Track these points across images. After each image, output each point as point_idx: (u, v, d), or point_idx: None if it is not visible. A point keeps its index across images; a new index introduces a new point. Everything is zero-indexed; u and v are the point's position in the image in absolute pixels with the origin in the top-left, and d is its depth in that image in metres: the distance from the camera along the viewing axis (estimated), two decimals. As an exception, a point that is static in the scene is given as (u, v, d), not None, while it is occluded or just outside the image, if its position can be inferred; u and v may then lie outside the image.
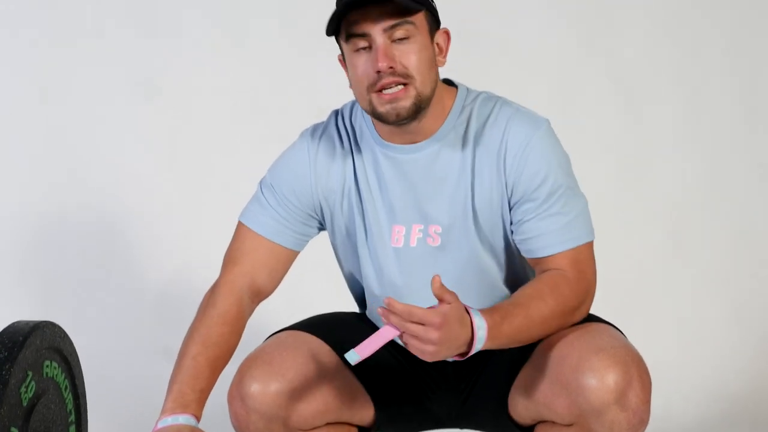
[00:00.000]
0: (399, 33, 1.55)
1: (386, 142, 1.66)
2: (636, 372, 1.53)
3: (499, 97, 1.69)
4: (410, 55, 1.56)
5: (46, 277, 2.95)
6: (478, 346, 1.49)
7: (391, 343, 1.76)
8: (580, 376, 1.52)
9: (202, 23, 3.09)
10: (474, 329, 1.47)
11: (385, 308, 1.44)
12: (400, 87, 1.56)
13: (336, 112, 1.75)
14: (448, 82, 1.71)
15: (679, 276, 3.21)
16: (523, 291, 1.59)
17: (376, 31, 1.55)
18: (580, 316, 1.63)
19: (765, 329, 3.13)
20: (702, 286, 3.20)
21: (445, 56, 1.64)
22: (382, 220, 1.67)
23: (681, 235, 3.26)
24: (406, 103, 1.57)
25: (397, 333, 1.46)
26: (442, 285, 1.46)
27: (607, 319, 1.73)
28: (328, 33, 1.60)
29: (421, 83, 1.57)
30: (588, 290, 1.63)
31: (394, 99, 1.57)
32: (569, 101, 3.23)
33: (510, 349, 1.63)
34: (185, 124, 3.07)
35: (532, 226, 1.62)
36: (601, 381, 1.50)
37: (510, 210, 1.64)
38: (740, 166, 3.32)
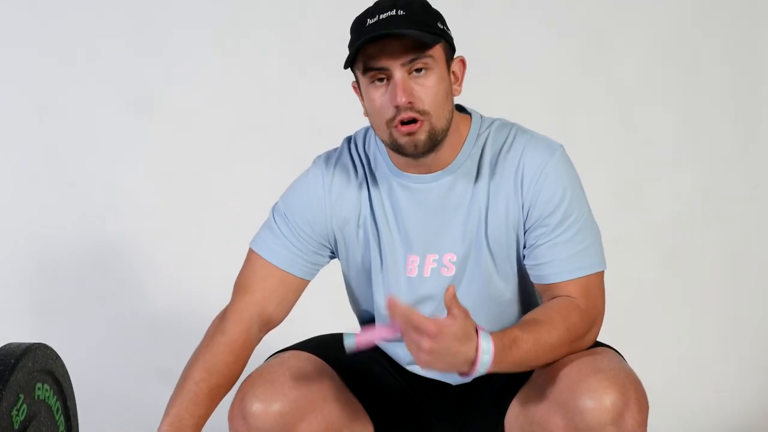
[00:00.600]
0: (417, 66, 1.56)
1: (402, 172, 1.66)
2: (633, 394, 1.52)
3: (513, 124, 1.69)
4: (428, 89, 1.57)
5: (40, 297, 2.93)
6: (481, 370, 1.48)
7: (393, 364, 1.76)
8: (577, 397, 1.52)
9: (199, 41, 3.08)
10: (479, 351, 1.47)
11: (392, 303, 1.44)
12: (417, 122, 1.57)
13: (349, 140, 1.75)
14: (460, 108, 1.71)
15: (675, 296, 3.21)
16: (534, 315, 1.59)
17: (395, 66, 1.56)
18: (586, 344, 1.62)
19: (762, 349, 3.12)
20: (699, 306, 3.20)
21: (460, 84, 1.64)
22: (398, 250, 1.68)
23: (677, 255, 3.26)
24: (422, 136, 1.58)
25: (398, 333, 1.46)
26: (454, 297, 1.45)
27: (604, 341, 1.72)
28: (346, 66, 1.60)
29: (436, 118, 1.58)
30: (596, 319, 1.63)
31: (411, 132, 1.57)
32: (567, 121, 3.23)
33: (510, 375, 1.63)
34: (182, 143, 3.06)
35: (544, 252, 1.62)
36: (598, 402, 1.50)
37: (524, 234, 1.65)
38: (736, 185, 3.32)
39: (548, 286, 1.63)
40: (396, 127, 1.57)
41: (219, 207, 3.01)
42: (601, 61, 3.27)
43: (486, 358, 1.47)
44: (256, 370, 1.68)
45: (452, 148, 1.64)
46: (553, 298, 1.62)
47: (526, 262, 1.65)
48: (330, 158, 1.72)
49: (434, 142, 1.59)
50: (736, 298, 3.22)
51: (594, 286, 1.63)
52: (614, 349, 1.69)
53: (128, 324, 2.91)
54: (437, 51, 1.57)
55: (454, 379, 1.72)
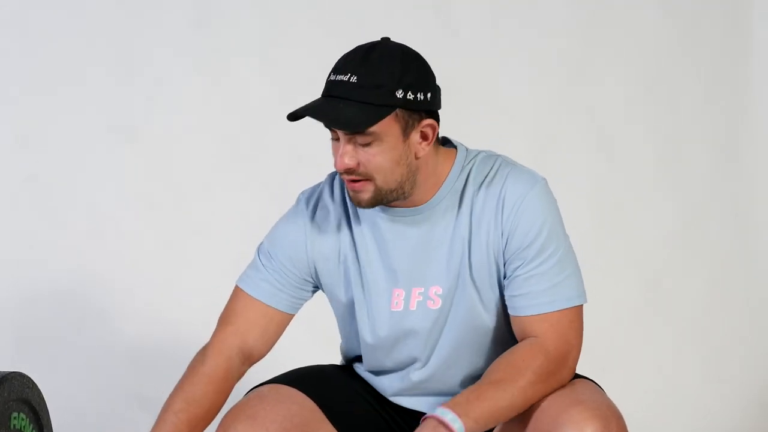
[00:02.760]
0: (361, 140, 1.57)
1: (386, 207, 1.66)
2: (615, 426, 1.53)
3: (499, 156, 1.69)
4: (371, 158, 1.57)
5: (17, 324, 2.90)
6: None
7: (376, 396, 1.75)
8: (559, 428, 1.52)
9: (181, 68, 3.08)
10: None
11: None
12: (360, 181, 1.58)
13: (332, 176, 1.75)
14: (446, 141, 1.71)
15: (655, 326, 3.22)
16: (495, 376, 1.58)
17: (340, 134, 1.58)
18: (560, 380, 1.61)
19: (743, 378, 3.13)
20: (679, 336, 3.21)
21: (430, 143, 1.61)
22: (382, 285, 1.67)
23: (659, 282, 3.27)
24: (365, 195, 1.59)
25: None
26: None
27: (585, 370, 1.72)
28: (292, 119, 1.62)
29: (383, 181, 1.58)
30: (567, 355, 1.61)
31: (354, 190, 1.60)
32: (547, 150, 3.25)
33: None
34: (164, 170, 3.05)
35: (520, 284, 1.62)
36: None
37: (504, 264, 1.64)
38: (717, 215, 3.34)
39: (520, 319, 1.62)
40: (345, 180, 1.60)
41: (200, 235, 3.00)
42: (583, 91, 3.30)
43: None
44: (237, 404, 1.66)
45: (432, 185, 1.64)
46: (523, 332, 1.61)
47: (505, 293, 1.65)
48: (312, 196, 1.73)
49: (380, 201, 1.60)
50: (717, 327, 3.23)
51: (568, 321, 1.61)
52: (593, 381, 1.68)
53: (107, 352, 2.89)
54: (385, 124, 1.56)
55: (429, 409, 1.69)
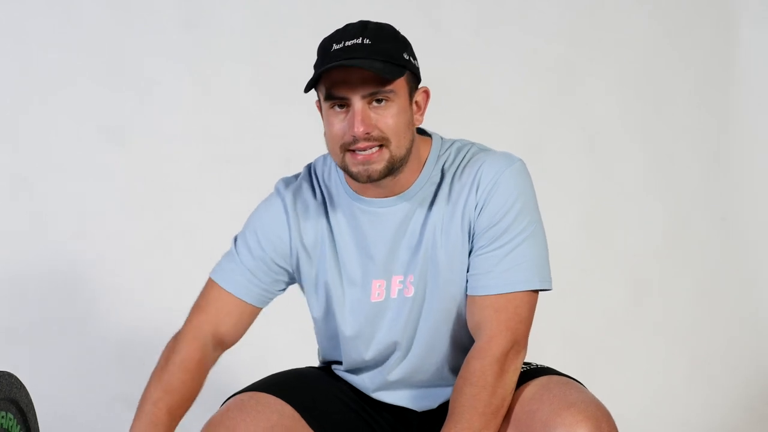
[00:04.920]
0: (381, 96, 1.56)
1: (361, 197, 1.66)
2: (606, 427, 1.53)
3: (474, 143, 1.70)
4: (387, 119, 1.57)
5: (4, 324, 2.89)
6: None
7: (357, 393, 1.75)
8: (551, 431, 1.52)
9: (172, 71, 3.08)
10: None
11: None
12: (375, 149, 1.57)
13: (309, 167, 1.75)
14: (422, 131, 1.71)
15: (643, 328, 3.22)
16: (452, 405, 1.58)
17: (356, 97, 1.56)
18: (507, 371, 1.59)
19: (732, 380, 3.14)
20: (666, 338, 3.21)
21: (422, 114, 1.64)
22: (361, 276, 1.67)
23: (645, 288, 3.28)
24: (378, 166, 1.58)
25: None
26: None
27: (574, 372, 1.72)
28: (307, 89, 1.60)
29: (396, 146, 1.58)
30: (511, 350, 1.58)
31: (366, 161, 1.57)
32: (536, 152, 3.25)
33: None
34: (153, 172, 3.05)
35: (478, 262, 1.61)
36: None
37: (472, 239, 1.63)
38: (703, 219, 3.36)
39: (472, 299, 1.61)
40: (351, 153, 1.58)
41: (187, 236, 3.00)
42: (572, 94, 3.31)
43: None
44: (216, 415, 1.66)
45: (411, 171, 1.64)
46: (471, 320, 1.60)
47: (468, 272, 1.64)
48: (290, 184, 1.73)
49: (391, 170, 1.59)
50: (706, 329, 3.24)
51: (516, 305, 1.59)
52: (578, 381, 1.68)
53: (94, 352, 2.89)
54: (399, 84, 1.57)
55: (419, 405, 1.72)
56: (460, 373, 1.59)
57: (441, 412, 1.69)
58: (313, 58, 1.66)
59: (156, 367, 1.66)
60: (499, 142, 3.16)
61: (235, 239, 1.74)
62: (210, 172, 3.07)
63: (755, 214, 3.38)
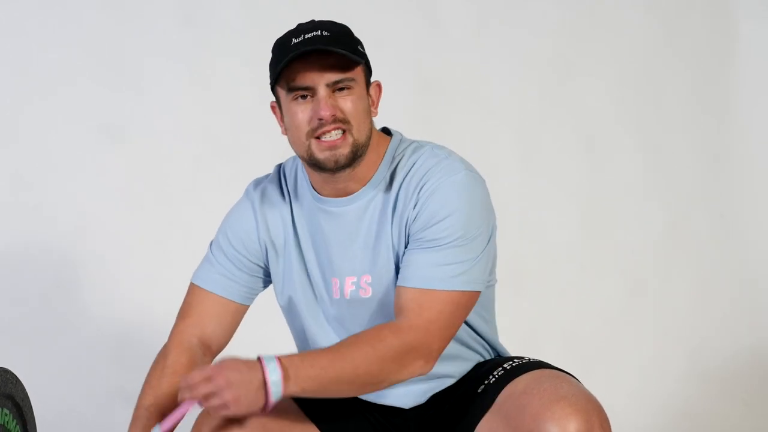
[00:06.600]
0: (340, 86, 1.61)
1: (320, 196, 1.69)
2: (597, 420, 1.54)
3: (428, 145, 1.70)
4: (349, 104, 1.62)
5: (2, 321, 2.90)
6: (275, 390, 1.49)
7: (358, 401, 1.75)
8: (541, 424, 1.53)
9: (170, 68, 3.09)
10: (265, 373, 1.48)
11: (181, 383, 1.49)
12: (340, 134, 1.61)
13: (279, 167, 1.80)
14: (386, 131, 1.74)
15: (641, 326, 3.23)
16: (346, 340, 1.58)
17: (320, 84, 1.61)
18: (408, 369, 1.57)
19: (728, 376, 3.15)
20: (664, 335, 3.22)
21: (376, 107, 1.69)
22: (321, 273, 1.70)
23: (644, 285, 3.28)
24: (344, 150, 1.62)
25: (194, 403, 1.50)
26: None
27: (572, 371, 1.72)
28: (273, 84, 1.65)
29: (357, 130, 1.62)
30: (423, 345, 1.56)
31: (333, 146, 1.61)
32: (535, 152, 3.26)
33: (472, 403, 1.63)
34: (151, 169, 3.05)
35: (409, 256, 1.62)
36: (563, 429, 1.51)
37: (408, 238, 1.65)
38: (702, 217, 3.36)
39: (397, 290, 1.61)
40: (316, 139, 1.61)
41: (184, 233, 3.01)
42: (569, 92, 3.31)
43: (274, 377, 1.48)
44: None
45: (369, 166, 1.67)
46: (396, 310, 1.60)
47: None
48: (259, 183, 1.78)
49: (355, 156, 1.62)
50: (703, 326, 3.24)
51: (436, 304, 1.58)
52: (571, 374, 1.68)
53: (91, 348, 2.90)
54: (358, 73, 1.63)
55: (405, 402, 1.72)
56: (370, 329, 1.57)
57: (433, 413, 1.70)
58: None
59: (147, 375, 1.70)
60: (498, 141, 3.20)
61: (211, 244, 1.79)
62: (209, 170, 3.07)
63: (754, 211, 3.39)
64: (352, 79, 1.62)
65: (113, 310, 2.94)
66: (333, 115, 1.60)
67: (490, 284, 1.73)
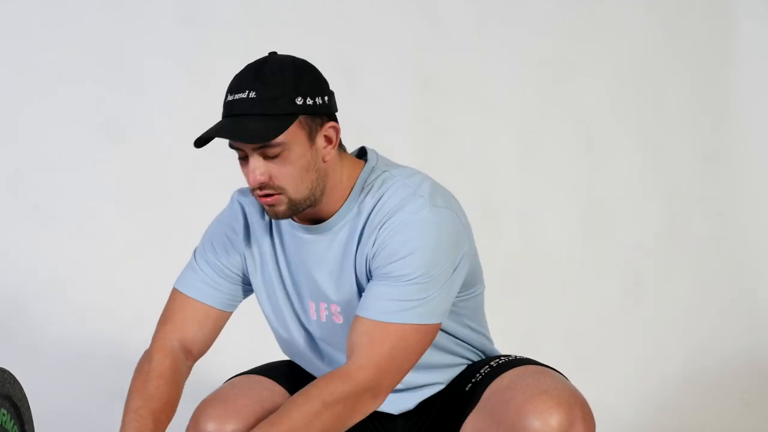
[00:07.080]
0: (270, 152, 1.57)
1: (293, 222, 1.69)
2: (579, 413, 1.56)
3: (400, 178, 1.65)
4: (282, 170, 1.58)
5: (0, 321, 2.90)
6: None
7: None
8: (524, 418, 1.55)
9: (169, 67, 3.09)
10: None
11: None
12: (274, 195, 1.59)
13: None
14: (362, 152, 1.71)
15: (639, 324, 3.23)
16: (292, 399, 1.57)
17: (248, 150, 1.58)
18: (360, 408, 1.57)
19: (726, 375, 3.15)
20: (663, 334, 3.22)
21: (335, 147, 1.62)
22: (297, 294, 1.71)
23: (642, 284, 3.28)
24: (280, 208, 1.60)
25: None
26: None
27: (570, 370, 1.73)
28: (198, 145, 1.63)
29: (294, 192, 1.59)
30: (372, 379, 1.56)
31: (269, 205, 1.60)
32: (535, 152, 3.26)
33: (459, 401, 1.65)
34: (150, 168, 3.06)
35: (370, 286, 1.60)
36: (544, 422, 1.54)
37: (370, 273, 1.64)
38: (701, 215, 3.36)
39: (355, 319, 1.60)
40: (258, 198, 1.61)
41: (183, 233, 3.00)
42: (569, 91, 3.31)
43: None
44: (211, 393, 1.72)
45: (335, 200, 1.64)
46: (348, 343, 1.59)
47: None
48: (245, 192, 1.76)
49: (295, 211, 1.60)
50: (702, 325, 3.24)
51: (392, 338, 1.56)
52: (557, 370, 1.69)
53: (90, 347, 2.90)
54: (290, 133, 1.56)
55: (393, 409, 1.72)
56: (318, 379, 1.57)
57: (421, 414, 1.71)
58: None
59: (131, 381, 1.70)
60: (498, 141, 3.20)
61: (195, 251, 1.79)
62: (209, 170, 3.08)
63: (753, 209, 3.39)
64: (279, 144, 1.56)
65: (113, 309, 2.94)
66: (262, 183, 1.57)
67: (477, 293, 1.72)
